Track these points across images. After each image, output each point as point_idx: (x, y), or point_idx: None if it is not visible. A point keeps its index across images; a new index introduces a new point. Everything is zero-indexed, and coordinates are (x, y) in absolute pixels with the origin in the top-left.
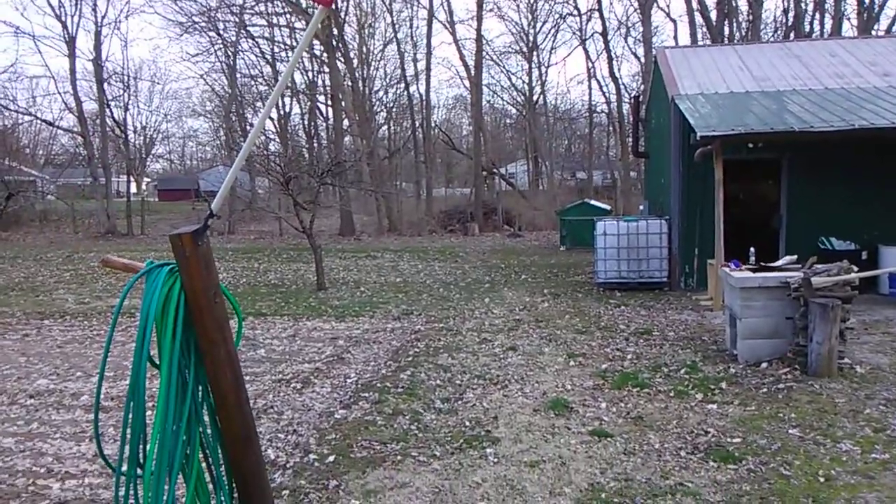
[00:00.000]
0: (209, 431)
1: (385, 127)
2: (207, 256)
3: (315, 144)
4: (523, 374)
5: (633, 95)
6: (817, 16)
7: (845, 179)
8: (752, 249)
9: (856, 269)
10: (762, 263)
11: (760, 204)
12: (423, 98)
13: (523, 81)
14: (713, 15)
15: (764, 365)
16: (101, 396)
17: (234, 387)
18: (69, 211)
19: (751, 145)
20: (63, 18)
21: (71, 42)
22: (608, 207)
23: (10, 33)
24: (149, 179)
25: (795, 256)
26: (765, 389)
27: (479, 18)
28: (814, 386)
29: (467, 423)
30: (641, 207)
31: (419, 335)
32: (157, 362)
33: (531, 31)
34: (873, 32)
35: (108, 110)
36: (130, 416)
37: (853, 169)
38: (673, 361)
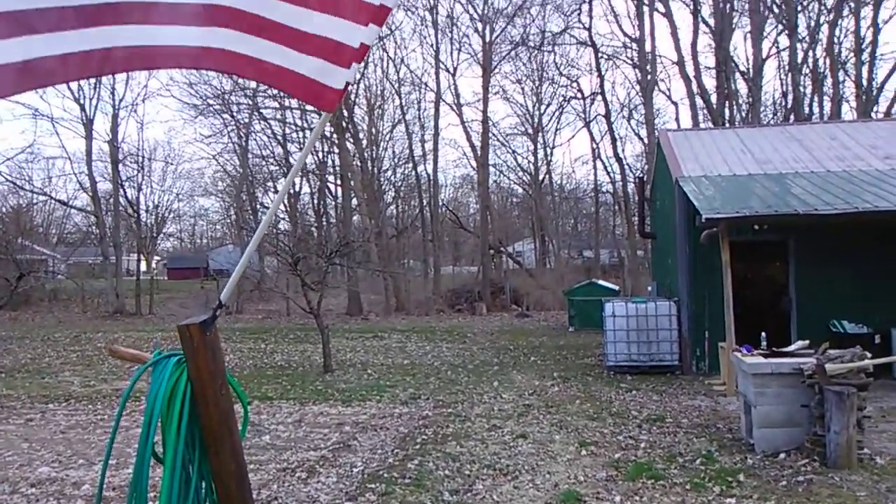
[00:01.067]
0: None
1: (393, 206)
2: (214, 344)
3: (324, 223)
4: (534, 463)
5: (637, 176)
6: (816, 98)
7: (853, 261)
8: (763, 334)
9: (869, 354)
10: (774, 349)
11: (769, 285)
12: (431, 177)
13: (529, 161)
14: (713, 98)
15: (782, 455)
16: (104, 485)
17: (238, 479)
18: (78, 290)
19: (756, 227)
20: (82, 101)
21: (88, 124)
22: (616, 288)
23: (28, 115)
24: (159, 258)
25: (808, 342)
26: (784, 482)
27: (486, 101)
28: (834, 478)
29: None
30: (650, 288)
31: (427, 421)
32: (161, 457)
33: (536, 112)
34: (872, 115)
35: (121, 190)
36: None
37: (860, 250)
38: (688, 451)
